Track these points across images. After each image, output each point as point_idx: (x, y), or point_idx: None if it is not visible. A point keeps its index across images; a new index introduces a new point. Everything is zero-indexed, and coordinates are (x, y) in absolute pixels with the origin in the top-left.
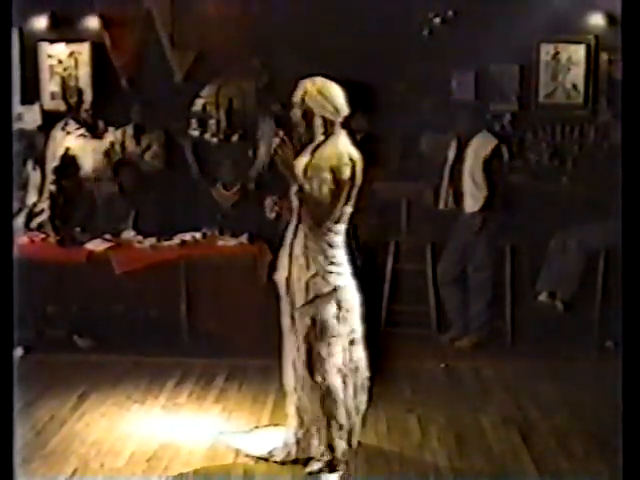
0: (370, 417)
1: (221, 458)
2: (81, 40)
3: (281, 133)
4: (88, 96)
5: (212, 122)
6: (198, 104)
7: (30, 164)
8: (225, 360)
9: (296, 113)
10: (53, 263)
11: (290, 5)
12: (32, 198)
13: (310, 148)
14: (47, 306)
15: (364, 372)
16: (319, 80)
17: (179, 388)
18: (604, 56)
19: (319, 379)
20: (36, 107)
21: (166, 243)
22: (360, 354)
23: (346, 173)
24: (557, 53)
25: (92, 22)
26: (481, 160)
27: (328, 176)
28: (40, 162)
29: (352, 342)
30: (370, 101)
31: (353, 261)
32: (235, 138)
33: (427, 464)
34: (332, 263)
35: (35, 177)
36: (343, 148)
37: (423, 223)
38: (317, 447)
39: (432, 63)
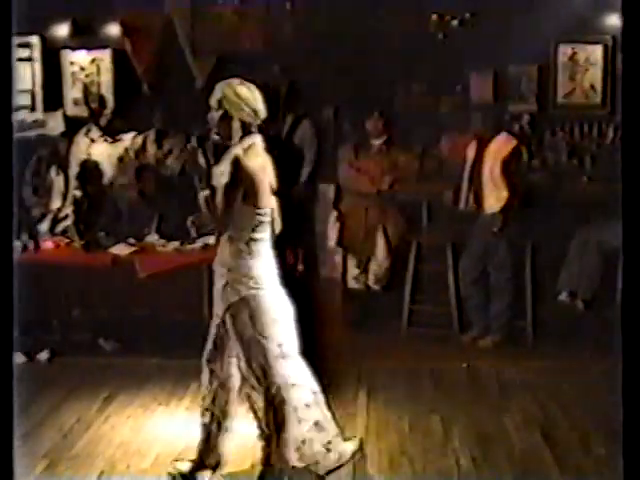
0: (392, 417)
1: (243, 458)
2: (103, 47)
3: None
4: (110, 102)
5: None
6: None
7: (54, 170)
8: None
9: (214, 117)
10: (78, 267)
11: (308, 9)
12: (56, 203)
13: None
14: (72, 310)
15: (306, 388)
16: (236, 82)
17: None
18: (621, 56)
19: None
20: (59, 113)
21: (189, 247)
22: (293, 370)
23: (240, 178)
24: (575, 54)
25: (113, 29)
26: (500, 161)
27: (224, 180)
28: (63, 168)
29: (283, 356)
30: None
31: (284, 270)
32: None
33: (450, 464)
34: (243, 273)
35: (59, 182)
36: (240, 152)
37: (444, 224)
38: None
39: (450, 65)
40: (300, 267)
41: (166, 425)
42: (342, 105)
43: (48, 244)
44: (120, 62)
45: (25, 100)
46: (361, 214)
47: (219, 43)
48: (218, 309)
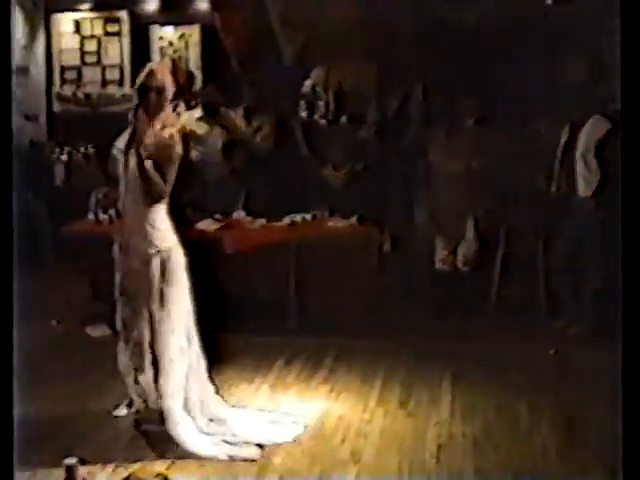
0: (478, 401)
1: (329, 437)
2: (191, 22)
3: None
4: (198, 78)
5: (321, 104)
6: (307, 86)
7: None
8: (334, 340)
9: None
10: None
11: None
12: None
13: None
14: None
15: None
16: (167, 62)
17: (288, 368)
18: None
19: None
20: None
21: (276, 224)
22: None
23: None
24: None
25: (202, 4)
26: (594, 144)
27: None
28: None
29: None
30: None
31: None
32: (344, 120)
33: (536, 451)
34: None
35: None
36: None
37: (535, 207)
38: None
39: (544, 45)
40: (387, 246)
41: (249, 401)
42: (435, 84)
43: None
44: (208, 38)
45: (114, 75)
46: (451, 194)
47: (309, 19)
48: None
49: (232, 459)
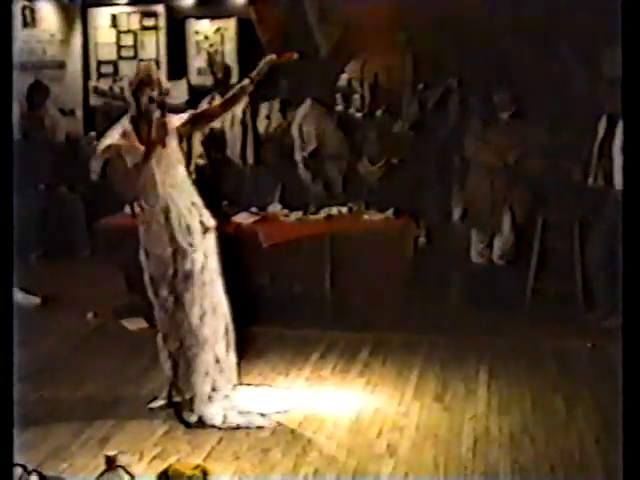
0: (514, 394)
1: (365, 431)
2: (227, 16)
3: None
4: (235, 71)
5: (356, 97)
6: (343, 79)
7: None
8: (369, 334)
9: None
10: None
11: None
12: None
13: None
14: None
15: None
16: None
17: (323, 361)
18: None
19: None
20: (183, 82)
21: (312, 217)
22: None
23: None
24: None
25: None
26: None
27: None
28: (187, 136)
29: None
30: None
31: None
32: (379, 113)
33: (572, 445)
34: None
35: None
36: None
37: (571, 200)
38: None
39: (582, 38)
40: (422, 239)
41: (285, 395)
42: (471, 77)
43: None
44: (244, 31)
45: None
46: (487, 188)
47: (345, 13)
48: None
49: (249, 427)
